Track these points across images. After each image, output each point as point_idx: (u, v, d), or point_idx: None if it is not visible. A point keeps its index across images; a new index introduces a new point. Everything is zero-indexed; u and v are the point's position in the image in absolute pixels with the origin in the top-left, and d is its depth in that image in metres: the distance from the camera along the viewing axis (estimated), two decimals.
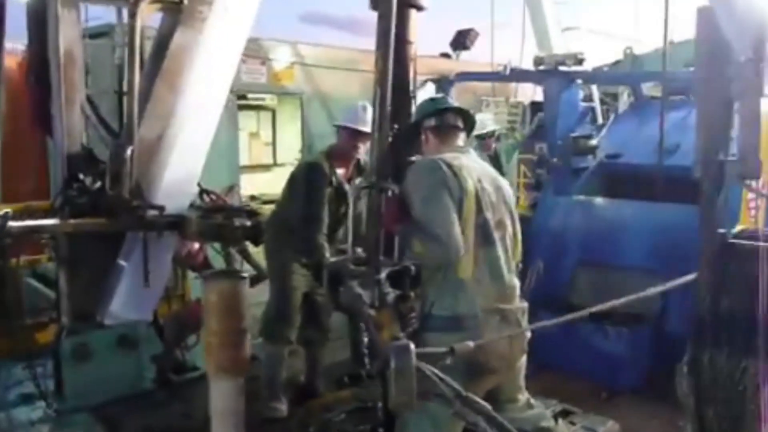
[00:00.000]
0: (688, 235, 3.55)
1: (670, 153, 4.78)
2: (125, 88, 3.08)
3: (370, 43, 2.80)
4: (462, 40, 9.02)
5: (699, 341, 1.57)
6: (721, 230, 1.70)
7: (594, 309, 2.32)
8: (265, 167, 8.82)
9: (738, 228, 1.76)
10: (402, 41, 2.64)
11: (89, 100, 3.29)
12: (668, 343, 4.21)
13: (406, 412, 2.09)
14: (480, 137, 6.20)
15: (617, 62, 7.74)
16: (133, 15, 3.00)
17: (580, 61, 5.17)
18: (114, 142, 3.10)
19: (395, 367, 1.89)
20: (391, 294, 2.30)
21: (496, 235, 2.73)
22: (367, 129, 3.06)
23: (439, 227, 2.57)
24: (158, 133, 3.09)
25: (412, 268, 2.47)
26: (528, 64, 5.92)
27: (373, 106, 2.45)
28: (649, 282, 4.42)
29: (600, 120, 6.50)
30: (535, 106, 6.82)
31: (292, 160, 8.72)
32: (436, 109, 2.90)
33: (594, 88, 6.80)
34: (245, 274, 2.63)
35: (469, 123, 2.98)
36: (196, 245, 4.12)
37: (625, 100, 7.26)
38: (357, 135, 4.00)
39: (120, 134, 3.15)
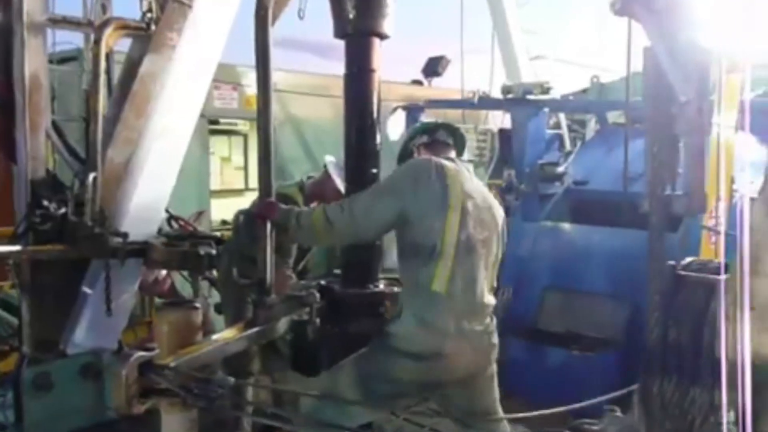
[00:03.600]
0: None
1: (634, 180, 4.86)
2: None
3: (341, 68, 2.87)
4: (433, 67, 9.11)
5: (648, 371, 1.61)
6: (671, 262, 1.75)
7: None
8: (237, 192, 8.77)
9: (689, 259, 1.80)
10: (366, 69, 2.66)
11: (55, 125, 3.25)
12: (634, 368, 4.25)
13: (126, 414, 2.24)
14: None
15: (585, 90, 7.88)
16: (98, 41, 3.00)
17: (546, 90, 5.26)
18: (77, 168, 3.07)
19: (110, 372, 2.13)
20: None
21: (481, 253, 2.70)
22: None
23: (360, 205, 2.63)
24: (125, 158, 3.07)
25: (317, 297, 2.67)
26: (498, 92, 5.99)
27: (258, 133, 2.51)
28: (614, 307, 4.52)
29: (568, 147, 6.62)
30: (504, 134, 6.93)
31: None
32: (427, 126, 2.98)
33: (561, 115, 6.94)
34: (198, 304, 2.57)
35: (460, 141, 3.00)
36: (163, 272, 4.07)
37: (592, 127, 7.40)
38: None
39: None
